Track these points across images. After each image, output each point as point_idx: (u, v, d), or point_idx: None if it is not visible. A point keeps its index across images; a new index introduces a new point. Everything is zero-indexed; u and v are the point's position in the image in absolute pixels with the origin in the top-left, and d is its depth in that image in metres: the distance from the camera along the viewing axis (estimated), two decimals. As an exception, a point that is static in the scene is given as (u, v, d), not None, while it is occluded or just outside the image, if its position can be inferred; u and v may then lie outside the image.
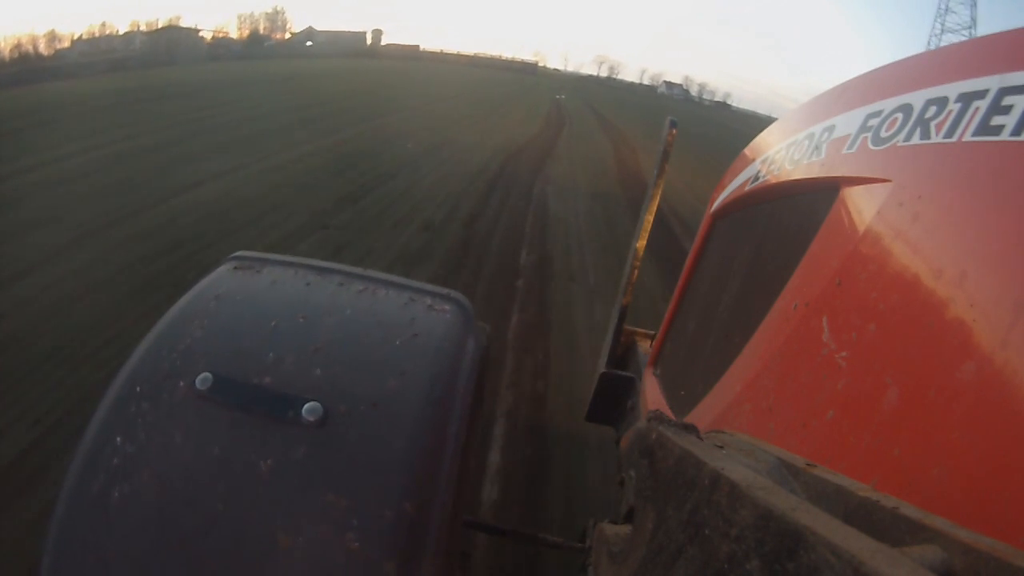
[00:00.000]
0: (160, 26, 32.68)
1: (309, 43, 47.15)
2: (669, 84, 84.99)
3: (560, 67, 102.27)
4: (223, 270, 1.00)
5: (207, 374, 0.77)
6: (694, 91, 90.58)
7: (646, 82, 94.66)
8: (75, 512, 0.70)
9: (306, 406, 0.75)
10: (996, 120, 0.62)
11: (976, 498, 0.50)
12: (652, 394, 1.72)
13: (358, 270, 1.04)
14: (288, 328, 0.86)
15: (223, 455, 0.72)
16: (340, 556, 0.67)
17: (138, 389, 0.77)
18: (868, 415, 0.64)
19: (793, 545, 0.33)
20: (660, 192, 1.96)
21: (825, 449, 0.70)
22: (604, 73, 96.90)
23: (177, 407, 0.75)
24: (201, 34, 35.85)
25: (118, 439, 0.73)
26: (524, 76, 57.12)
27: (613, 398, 2.08)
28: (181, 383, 0.77)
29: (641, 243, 2.02)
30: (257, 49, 36.96)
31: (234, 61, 28.77)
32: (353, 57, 44.96)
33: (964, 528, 0.36)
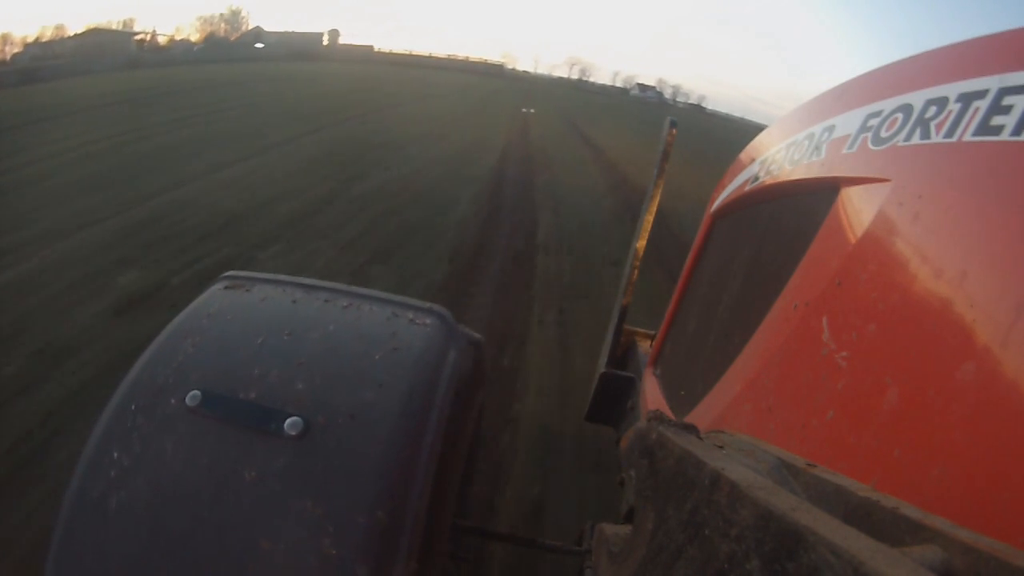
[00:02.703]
0: (84, 29, 29.29)
1: (259, 45, 43.87)
2: (643, 87, 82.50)
3: (531, 69, 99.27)
4: (216, 289, 1.04)
5: (196, 392, 0.81)
6: (668, 94, 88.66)
7: (619, 84, 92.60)
8: (77, 517, 0.75)
9: (288, 420, 0.79)
10: (996, 120, 0.62)
11: (976, 498, 0.50)
12: (652, 394, 1.72)
13: (343, 287, 1.08)
14: (274, 344, 0.90)
15: (211, 465, 0.76)
16: (316, 560, 0.71)
17: (134, 405, 0.82)
18: (868, 415, 0.64)
19: (793, 545, 0.33)
20: (660, 192, 1.96)
21: (825, 449, 0.70)
22: (575, 75, 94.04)
23: (169, 421, 0.80)
24: (140, 37, 32.99)
25: (115, 452, 0.78)
26: (488, 79, 48.08)
27: (613, 398, 2.08)
28: (172, 400, 0.82)
29: (641, 243, 2.02)
30: (186, 53, 32.20)
31: (159, 68, 22.59)
32: (295, 60, 37.43)
33: (964, 528, 0.36)
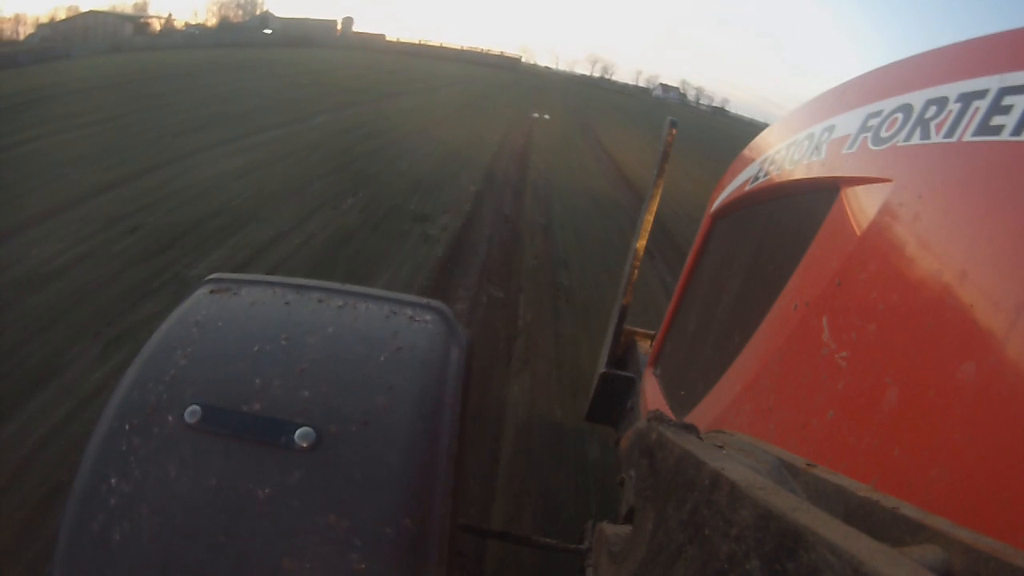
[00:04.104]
0: (73, 12, 27.73)
1: (268, 30, 42.27)
2: (665, 87, 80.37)
3: (551, 65, 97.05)
4: (200, 294, 0.99)
5: (195, 406, 0.77)
6: (691, 95, 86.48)
7: (641, 84, 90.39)
8: (76, 554, 0.70)
9: (298, 432, 0.75)
10: (996, 120, 0.62)
11: (976, 498, 0.50)
12: (652, 394, 1.71)
13: (336, 285, 1.03)
14: (272, 351, 0.85)
15: (220, 486, 0.72)
16: None
17: (127, 426, 0.77)
18: (868, 415, 0.64)
19: (793, 545, 0.33)
20: (660, 192, 1.96)
21: (825, 449, 0.70)
22: (597, 73, 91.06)
23: (168, 441, 0.75)
24: (143, 20, 31.17)
25: (112, 478, 0.73)
26: (500, 73, 41.78)
27: (613, 398, 2.08)
28: (170, 417, 0.77)
29: (641, 243, 2.02)
30: (186, 39, 29.09)
31: (142, 53, 19.39)
32: (293, 47, 32.23)
33: (964, 528, 0.36)
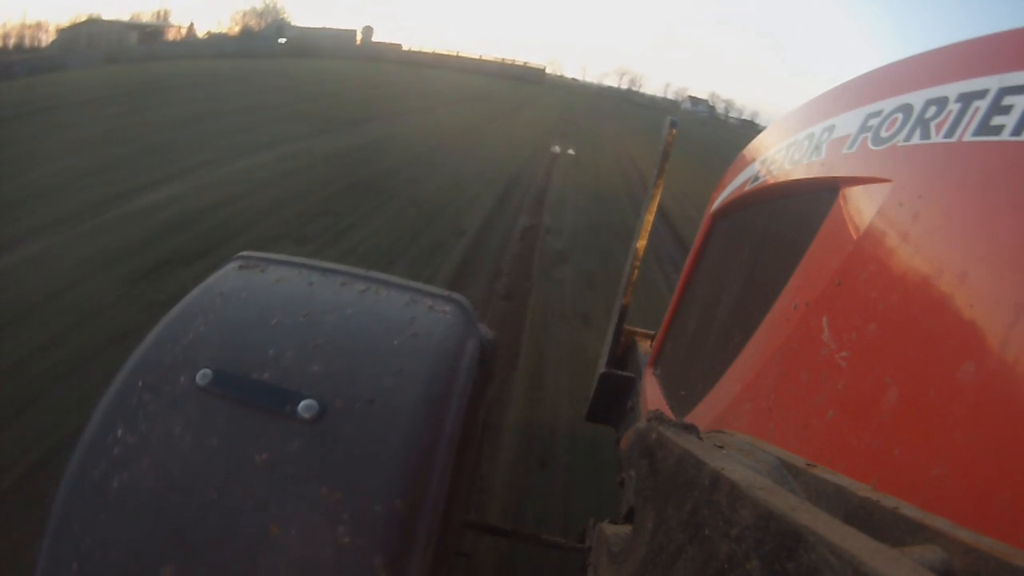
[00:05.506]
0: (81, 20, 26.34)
1: (282, 40, 42.23)
2: (694, 100, 77.60)
3: (578, 77, 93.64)
4: (228, 268, 1.02)
5: (207, 370, 0.79)
6: (720, 108, 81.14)
7: (670, 96, 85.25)
8: (75, 497, 0.73)
9: (302, 403, 0.77)
10: (996, 120, 0.62)
11: (976, 498, 0.50)
12: (652, 394, 1.71)
13: (361, 271, 1.05)
14: (289, 325, 0.88)
15: (220, 447, 0.74)
16: (330, 548, 0.69)
17: (141, 382, 0.80)
18: (868, 415, 0.64)
19: (793, 545, 0.33)
20: (660, 192, 1.97)
21: (825, 449, 0.70)
22: (625, 85, 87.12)
23: (178, 400, 0.78)
24: (152, 29, 30.00)
25: (119, 430, 0.76)
26: (522, 87, 36.66)
27: (613, 398, 2.09)
28: (182, 377, 0.80)
29: (641, 243, 2.02)
30: (191, 48, 26.36)
31: (137, 63, 16.61)
32: (295, 57, 27.29)
33: (964, 528, 0.36)
